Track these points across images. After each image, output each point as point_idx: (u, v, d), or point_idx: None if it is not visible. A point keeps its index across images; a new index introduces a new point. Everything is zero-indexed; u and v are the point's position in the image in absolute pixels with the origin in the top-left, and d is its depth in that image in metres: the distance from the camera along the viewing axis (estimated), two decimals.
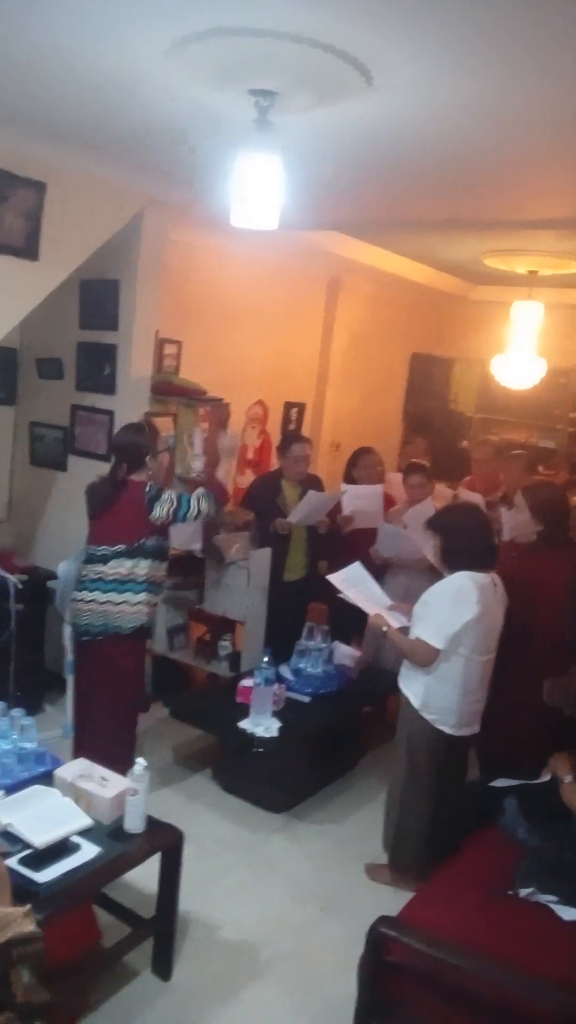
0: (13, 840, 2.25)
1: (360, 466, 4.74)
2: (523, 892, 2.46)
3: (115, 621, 3.37)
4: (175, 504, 3.35)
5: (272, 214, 2.52)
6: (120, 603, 3.37)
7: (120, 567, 3.36)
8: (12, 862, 2.16)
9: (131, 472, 3.41)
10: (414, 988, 2.25)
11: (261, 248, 5.15)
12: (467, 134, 2.70)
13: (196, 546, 4.24)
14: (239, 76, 2.24)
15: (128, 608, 3.37)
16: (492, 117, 2.49)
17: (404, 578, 4.21)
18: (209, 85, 2.36)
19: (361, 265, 5.65)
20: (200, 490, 3.52)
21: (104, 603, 3.37)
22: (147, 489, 3.36)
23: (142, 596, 3.39)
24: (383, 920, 2.27)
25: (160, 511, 3.33)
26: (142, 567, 3.38)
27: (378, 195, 3.78)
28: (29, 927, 1.07)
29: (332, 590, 3.52)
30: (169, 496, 3.37)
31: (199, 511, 3.41)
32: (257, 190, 2.44)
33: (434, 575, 3.18)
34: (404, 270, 5.91)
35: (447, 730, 3.00)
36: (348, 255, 5.37)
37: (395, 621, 3.18)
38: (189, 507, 3.38)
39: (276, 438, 5.69)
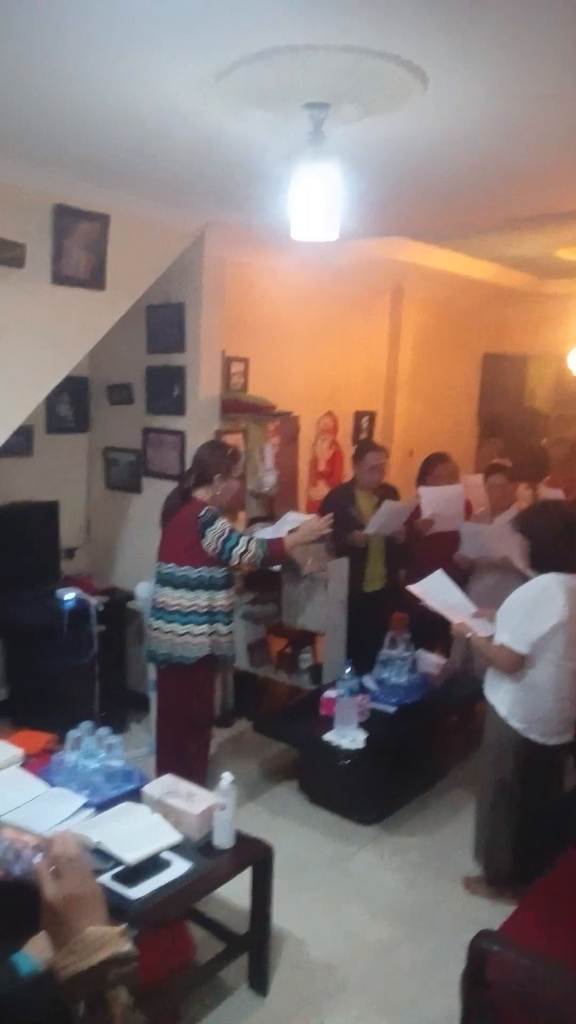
0: (105, 857, 2.28)
1: (435, 475, 4.65)
2: None
3: (179, 651, 3.37)
4: (225, 535, 3.29)
5: (332, 225, 2.52)
6: (183, 634, 3.36)
7: (181, 598, 3.36)
8: (105, 879, 2.19)
9: (198, 486, 3.43)
10: (514, 1007, 2.17)
11: (322, 261, 5.17)
12: (531, 128, 2.63)
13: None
14: (291, 93, 2.25)
15: (192, 639, 3.36)
16: (558, 107, 2.42)
17: (491, 579, 4.11)
18: (261, 105, 2.38)
19: (425, 268, 5.59)
20: (258, 536, 3.47)
21: (168, 632, 3.38)
22: (202, 513, 3.32)
23: (204, 627, 3.36)
24: (484, 934, 2.20)
25: (211, 538, 3.29)
26: (202, 598, 3.36)
27: (440, 200, 3.73)
28: (126, 947, 1.07)
29: (414, 599, 3.47)
30: (222, 526, 3.31)
31: (246, 551, 3.29)
32: (316, 202, 2.45)
33: (521, 576, 3.09)
34: (470, 270, 5.82)
35: (536, 738, 2.91)
36: (411, 259, 5.33)
37: (480, 629, 3.11)
38: (238, 543, 3.29)
39: (347, 448, 5.67)
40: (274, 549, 3.40)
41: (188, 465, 3.98)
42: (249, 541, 3.33)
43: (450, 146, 2.80)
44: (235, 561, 3.34)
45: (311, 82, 2.18)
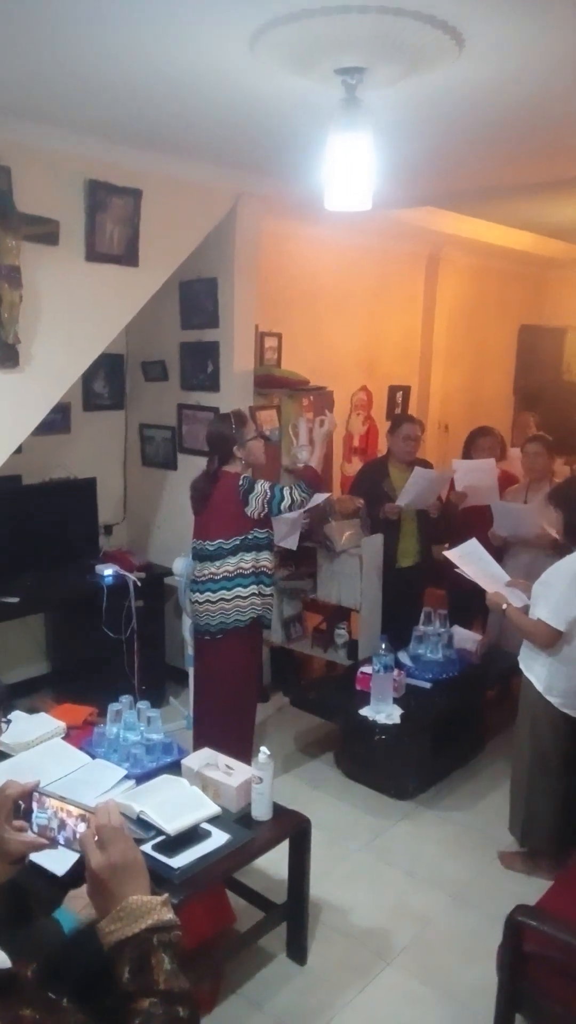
0: (146, 827, 2.33)
1: (478, 448, 4.58)
2: None
3: (231, 616, 3.41)
4: (269, 495, 3.33)
5: (366, 194, 2.47)
6: (232, 598, 3.40)
7: (226, 565, 3.39)
8: (147, 848, 2.24)
9: (223, 464, 3.43)
10: (553, 979, 2.18)
11: (355, 232, 5.10)
12: (571, 84, 2.55)
13: (291, 544, 4.22)
14: (325, 57, 2.20)
15: (241, 602, 3.40)
16: None
17: (525, 557, 4.06)
18: (294, 70, 2.34)
19: (459, 239, 5.49)
20: (294, 482, 3.47)
21: (217, 601, 3.41)
22: (240, 483, 3.35)
23: (252, 588, 3.40)
24: (521, 908, 2.21)
25: (255, 504, 3.33)
26: (247, 560, 3.39)
27: (474, 164, 3.65)
28: (168, 915, 1.10)
29: (448, 572, 3.45)
30: (262, 488, 3.34)
31: (292, 500, 3.34)
32: (349, 171, 2.40)
33: (557, 552, 3.05)
34: (506, 239, 5.70)
35: (573, 713, 2.88)
36: (445, 230, 5.24)
37: (515, 599, 3.08)
38: (283, 497, 3.33)
39: (382, 423, 5.63)
40: (308, 477, 3.44)
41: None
42: (289, 491, 3.36)
43: (486, 106, 2.73)
44: (284, 513, 3.41)
45: (344, 45, 2.13)
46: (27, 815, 1.57)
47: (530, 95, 2.62)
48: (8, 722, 2.35)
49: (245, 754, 2.94)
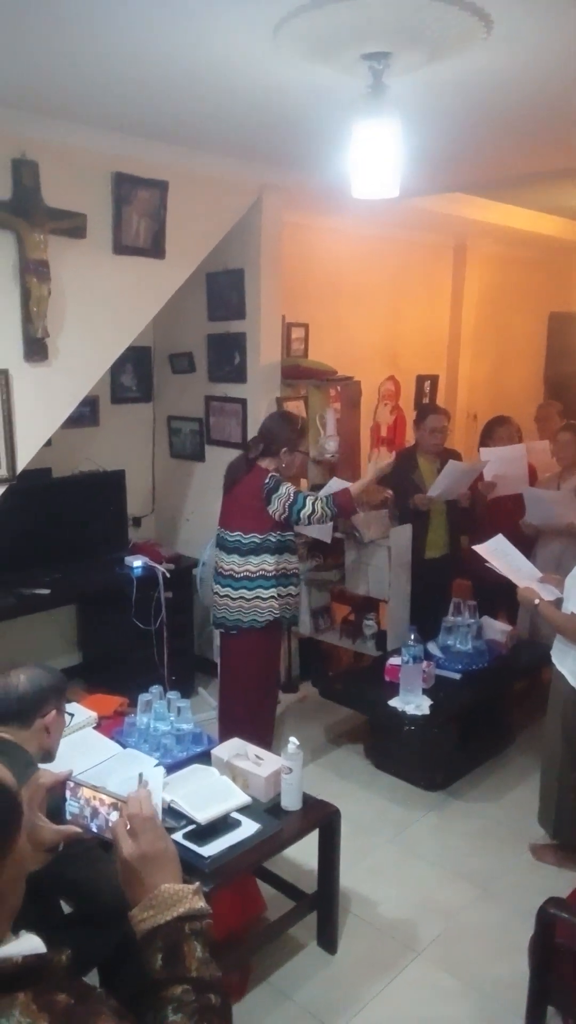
0: (177, 816, 2.35)
1: (496, 438, 4.53)
2: None
3: (248, 615, 3.41)
4: (291, 499, 3.30)
5: (393, 182, 2.45)
6: (252, 599, 3.40)
7: (248, 564, 3.39)
8: (177, 836, 2.26)
9: (264, 455, 3.43)
10: None
11: (381, 222, 5.06)
12: None
13: (325, 537, 4.22)
14: (350, 43, 2.18)
15: (260, 603, 3.40)
16: None
17: (557, 546, 4.02)
18: (318, 58, 2.32)
19: (488, 225, 5.42)
20: (323, 495, 3.44)
21: (237, 599, 3.41)
22: (267, 480, 3.34)
23: (273, 590, 3.40)
24: (553, 901, 2.19)
25: (276, 504, 3.31)
26: (269, 563, 3.39)
27: (502, 149, 3.59)
28: (199, 904, 1.11)
29: (477, 564, 3.42)
30: (287, 490, 3.32)
31: (313, 511, 3.30)
32: (376, 158, 2.38)
33: None
34: (535, 224, 5.61)
35: None
36: (473, 216, 5.17)
37: (547, 594, 3.05)
38: (304, 505, 3.30)
39: (410, 413, 5.59)
40: (341, 500, 3.38)
41: (251, 433, 3.99)
42: (315, 501, 3.33)
43: (514, 90, 2.68)
44: (303, 523, 3.36)
45: (370, 29, 2.10)
46: (61, 804, 1.60)
47: (559, 79, 2.57)
48: (71, 715, 2.39)
49: (265, 746, 2.94)
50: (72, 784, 1.60)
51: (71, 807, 1.60)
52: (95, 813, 1.54)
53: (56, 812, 1.63)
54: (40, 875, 1.59)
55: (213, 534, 3.78)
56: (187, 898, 1.10)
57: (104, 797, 1.52)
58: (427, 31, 2.11)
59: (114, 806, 1.48)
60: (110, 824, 1.40)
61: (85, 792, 1.56)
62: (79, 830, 1.58)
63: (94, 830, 1.55)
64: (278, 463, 3.41)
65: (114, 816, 1.45)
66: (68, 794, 1.60)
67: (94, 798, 1.54)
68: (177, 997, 1.01)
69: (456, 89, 2.66)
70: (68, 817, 1.61)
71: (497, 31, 2.16)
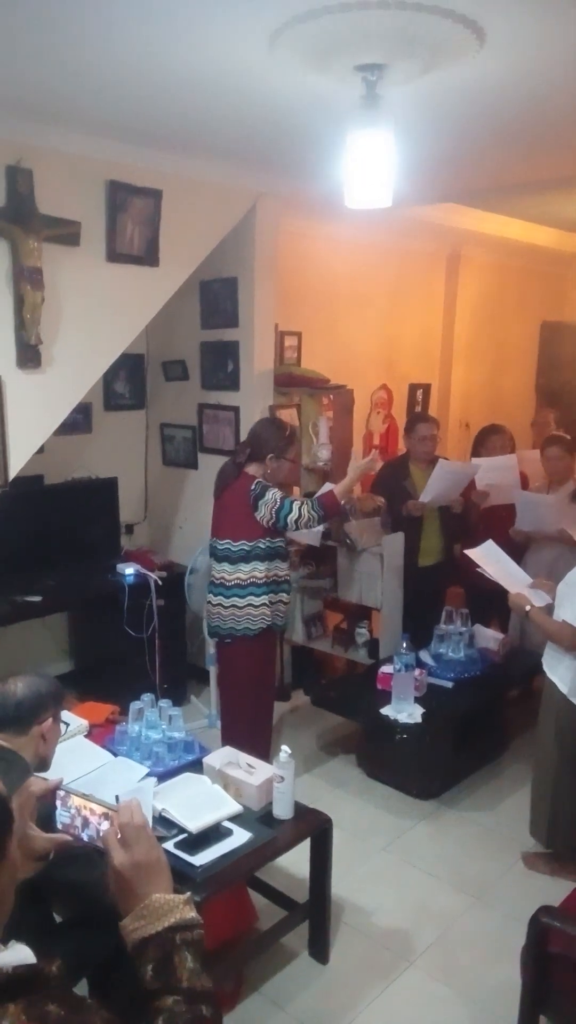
0: (168, 825, 2.34)
1: (489, 447, 4.54)
2: None
3: (242, 624, 3.39)
4: (278, 504, 3.28)
5: (386, 191, 2.46)
6: (244, 607, 3.38)
7: (239, 572, 3.37)
8: (168, 845, 2.25)
9: (250, 460, 3.41)
10: None
11: (375, 230, 5.08)
12: None
13: (314, 540, 4.21)
14: (345, 54, 2.20)
15: (253, 610, 3.38)
16: None
17: (548, 553, 4.03)
18: (313, 68, 2.34)
19: (481, 235, 5.46)
20: (310, 499, 3.41)
21: (229, 607, 3.40)
22: (252, 486, 3.31)
23: (264, 598, 3.38)
24: (545, 909, 2.19)
25: (264, 510, 3.29)
26: (259, 570, 3.37)
27: (495, 159, 3.62)
28: (190, 914, 1.10)
29: (469, 571, 3.42)
30: (273, 496, 3.30)
31: (300, 515, 3.28)
32: (369, 168, 2.39)
33: None
34: (528, 235, 5.65)
35: None
36: (466, 226, 5.21)
37: (538, 600, 3.05)
38: (291, 510, 3.28)
39: (402, 422, 5.60)
40: (326, 502, 3.33)
41: (243, 440, 3.99)
42: (301, 505, 3.31)
43: (507, 100, 2.71)
44: (291, 528, 3.33)
45: (364, 41, 2.12)
46: (52, 812, 1.59)
47: (551, 89, 2.60)
48: (67, 724, 2.38)
49: (263, 754, 2.94)
50: (62, 793, 1.59)
51: (62, 816, 1.59)
52: (86, 823, 1.54)
53: (47, 820, 1.62)
54: (37, 880, 1.58)
55: (205, 542, 3.78)
56: (178, 908, 1.09)
57: (94, 807, 1.51)
58: (420, 43, 2.13)
59: (105, 815, 1.47)
60: (101, 833, 1.39)
61: (76, 801, 1.56)
62: (70, 838, 1.57)
63: (85, 839, 1.55)
64: (264, 469, 3.38)
65: (105, 825, 1.44)
66: (59, 803, 1.60)
67: (85, 807, 1.53)
68: (168, 1008, 1.01)
69: (450, 99, 2.68)
70: (59, 826, 1.60)
71: (491, 42, 2.18)
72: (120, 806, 1.24)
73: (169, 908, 1.09)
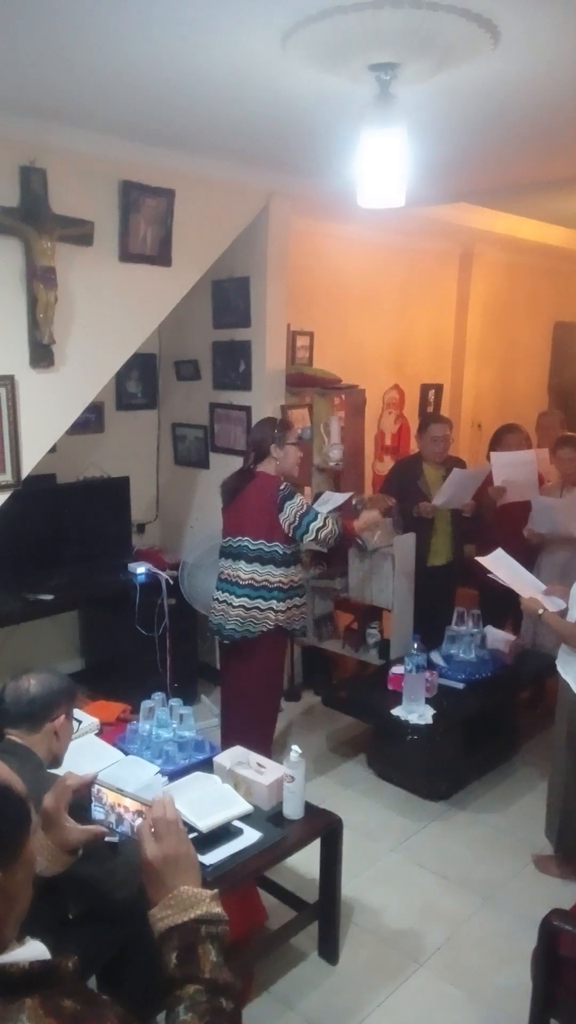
0: None
1: (505, 446, 4.52)
2: None
3: (250, 625, 3.38)
4: (303, 509, 3.30)
5: (399, 191, 2.45)
6: (251, 608, 3.37)
7: (254, 572, 3.36)
8: None
9: (258, 462, 3.43)
10: None
11: (387, 230, 5.08)
12: None
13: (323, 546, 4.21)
14: (358, 53, 2.19)
15: (259, 614, 3.37)
16: None
17: (562, 555, 4.01)
18: (326, 67, 2.33)
19: (494, 235, 5.43)
20: (336, 513, 3.46)
21: (237, 607, 3.39)
22: (281, 487, 3.32)
23: (278, 603, 3.37)
24: (556, 912, 2.18)
25: (289, 511, 3.29)
26: (274, 574, 3.36)
27: (509, 159, 3.60)
28: (216, 909, 1.13)
29: (480, 573, 3.41)
30: (301, 500, 3.32)
31: (323, 525, 3.29)
32: (383, 167, 2.39)
33: None
34: (541, 234, 5.62)
35: None
36: (479, 226, 5.18)
37: (551, 605, 3.03)
38: (316, 518, 3.29)
39: (414, 422, 5.60)
40: (347, 528, 3.41)
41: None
42: (326, 517, 3.33)
43: (521, 100, 2.69)
44: (311, 536, 3.32)
45: (378, 40, 2.12)
46: (86, 804, 1.63)
47: (566, 88, 2.58)
48: (79, 721, 2.39)
49: (264, 753, 2.93)
50: (96, 789, 1.62)
51: (96, 812, 1.62)
52: (120, 819, 1.57)
53: (77, 812, 1.64)
54: (56, 875, 1.60)
55: (214, 540, 3.78)
56: (204, 901, 1.13)
57: (128, 803, 1.54)
58: (434, 42, 2.13)
59: (139, 812, 1.50)
60: (135, 829, 1.43)
61: (110, 797, 1.59)
62: (104, 830, 1.61)
63: (120, 833, 1.58)
64: (275, 463, 3.40)
65: (139, 821, 1.48)
66: (94, 798, 1.62)
67: (119, 804, 1.56)
68: (190, 996, 1.03)
69: (464, 98, 2.67)
70: (96, 818, 1.63)
71: (505, 40, 2.17)
72: (154, 801, 1.28)
73: (196, 900, 1.13)
